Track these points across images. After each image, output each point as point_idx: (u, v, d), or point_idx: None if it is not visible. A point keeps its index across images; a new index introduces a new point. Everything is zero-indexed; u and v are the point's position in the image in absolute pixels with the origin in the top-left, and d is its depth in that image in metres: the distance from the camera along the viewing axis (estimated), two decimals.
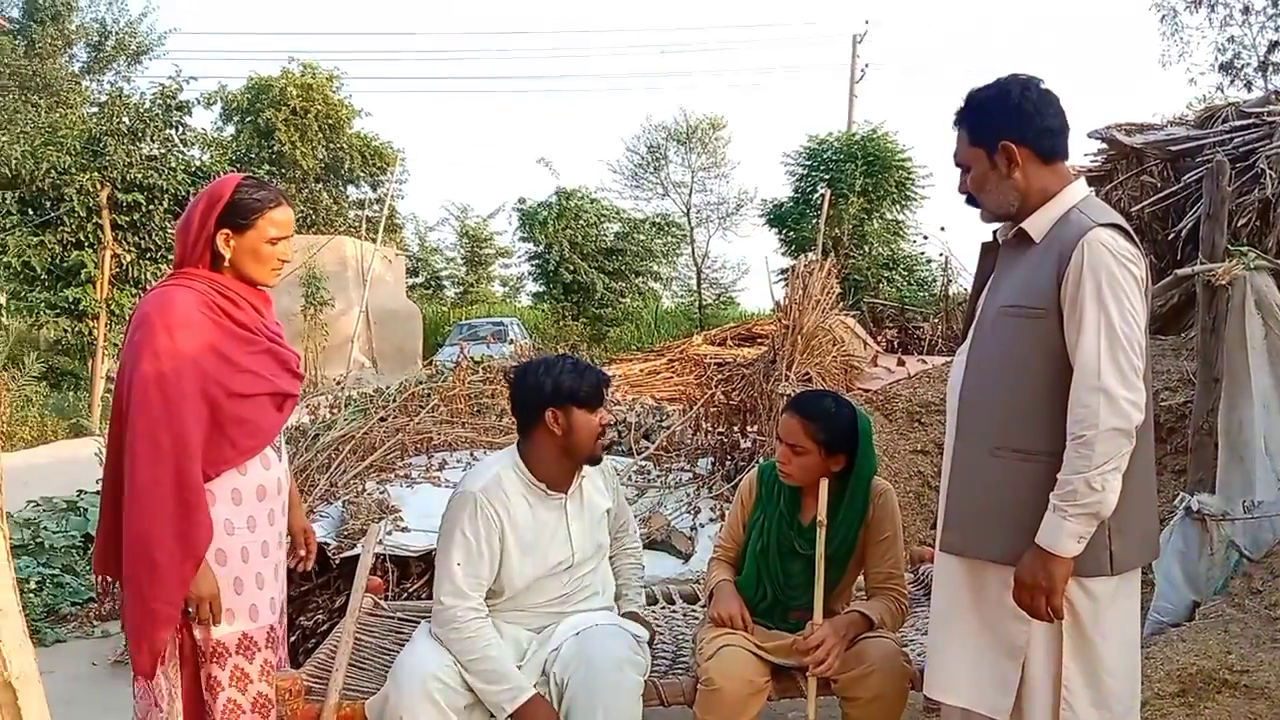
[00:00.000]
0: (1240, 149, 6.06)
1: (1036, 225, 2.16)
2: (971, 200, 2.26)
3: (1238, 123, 6.53)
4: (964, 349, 2.29)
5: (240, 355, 2.38)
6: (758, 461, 4.15)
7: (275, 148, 23.51)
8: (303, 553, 2.73)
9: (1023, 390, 2.11)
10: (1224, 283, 3.73)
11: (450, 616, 2.53)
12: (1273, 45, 19.30)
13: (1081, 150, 7.61)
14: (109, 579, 2.43)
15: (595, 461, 2.74)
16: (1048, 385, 2.07)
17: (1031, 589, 2.03)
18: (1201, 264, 3.96)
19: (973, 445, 2.19)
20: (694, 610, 3.35)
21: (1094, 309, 2.00)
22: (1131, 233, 2.11)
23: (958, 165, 2.26)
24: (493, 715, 2.50)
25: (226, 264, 2.40)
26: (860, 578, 2.91)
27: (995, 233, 2.31)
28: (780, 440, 2.72)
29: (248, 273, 2.43)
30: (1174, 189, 6.66)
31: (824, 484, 2.63)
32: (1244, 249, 3.99)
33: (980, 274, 2.36)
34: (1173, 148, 6.76)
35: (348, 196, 26.89)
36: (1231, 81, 20.25)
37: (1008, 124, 2.15)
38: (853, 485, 2.70)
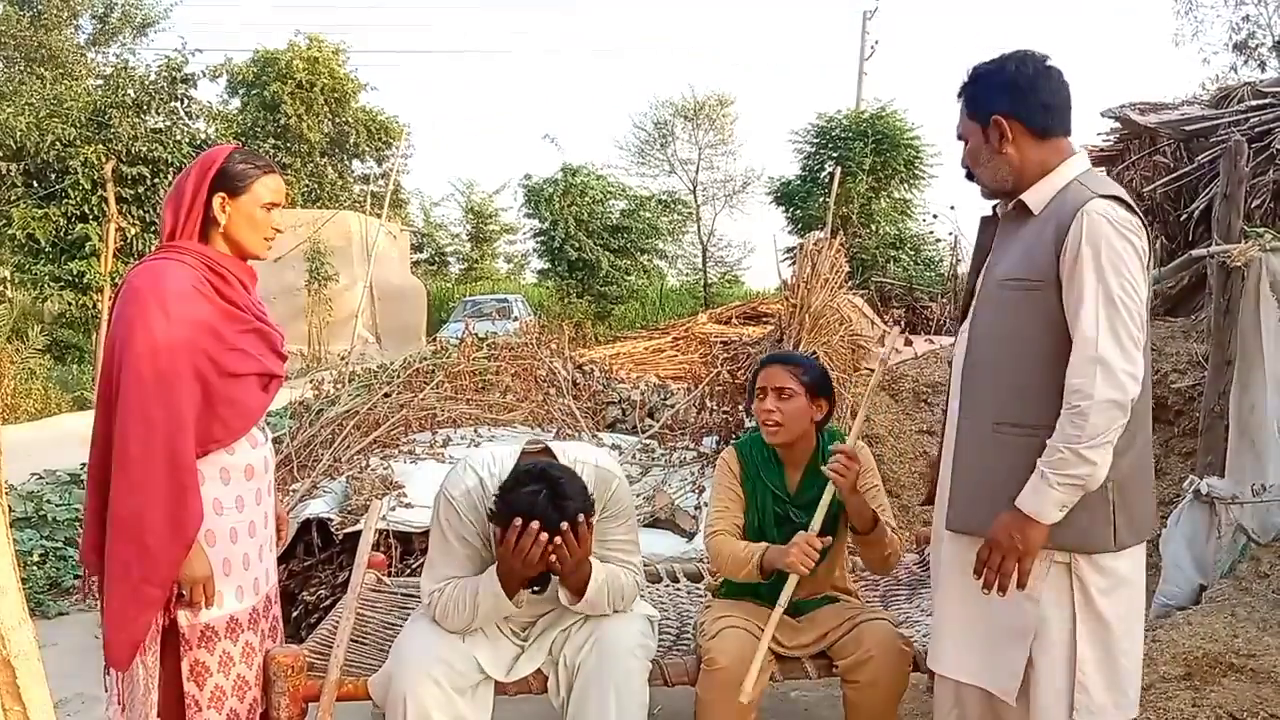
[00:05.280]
0: (1256, 129, 5.98)
1: (1036, 198, 2.13)
2: (971, 174, 2.25)
3: (1254, 103, 6.44)
4: (965, 325, 2.27)
5: (230, 333, 2.30)
6: None
7: (281, 121, 23.40)
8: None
9: (1023, 364, 2.09)
10: (1239, 264, 3.69)
11: (433, 601, 2.49)
12: None
13: (1094, 129, 7.55)
14: (95, 579, 2.29)
15: (536, 587, 2.42)
16: (1048, 359, 2.04)
17: (1006, 550, 2.01)
18: (1217, 245, 3.92)
19: (975, 421, 2.17)
20: (698, 589, 3.34)
21: (1093, 279, 1.97)
22: (1133, 204, 2.08)
23: (959, 139, 2.25)
24: (495, 693, 2.47)
25: (220, 231, 2.33)
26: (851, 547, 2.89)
27: (994, 206, 2.29)
28: (763, 395, 2.69)
29: (241, 240, 2.36)
30: (1187, 169, 6.58)
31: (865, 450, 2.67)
32: (1260, 230, 3.94)
33: (980, 249, 2.33)
34: (1187, 128, 6.68)
35: (353, 171, 26.82)
36: (1245, 61, 20.10)
37: (1000, 98, 2.13)
38: (824, 439, 2.75)
